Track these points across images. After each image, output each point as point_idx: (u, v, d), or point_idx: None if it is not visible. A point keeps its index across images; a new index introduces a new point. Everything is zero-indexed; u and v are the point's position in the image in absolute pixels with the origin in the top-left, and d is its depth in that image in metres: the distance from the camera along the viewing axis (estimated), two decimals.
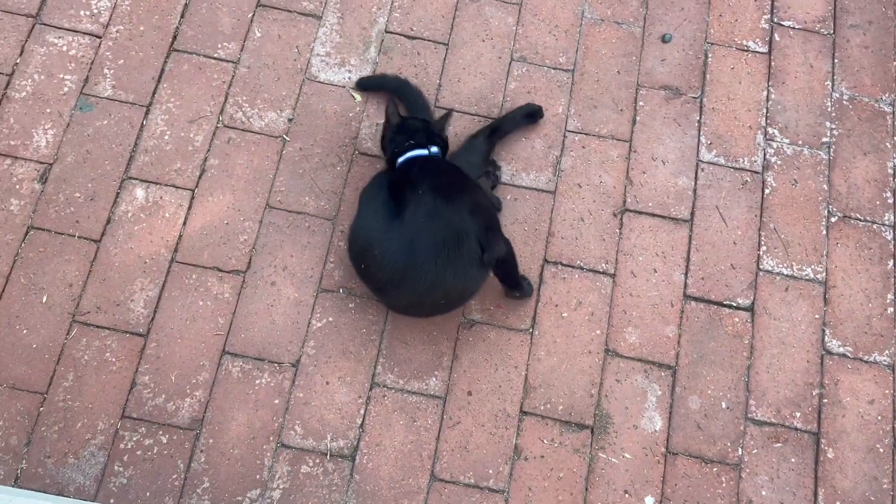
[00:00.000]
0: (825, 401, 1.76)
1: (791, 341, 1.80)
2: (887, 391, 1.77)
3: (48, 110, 1.88)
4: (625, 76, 2.02)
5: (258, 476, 1.64)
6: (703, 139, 1.97)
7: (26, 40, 1.94)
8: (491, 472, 1.67)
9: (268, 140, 1.90)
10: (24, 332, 1.70)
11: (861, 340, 1.81)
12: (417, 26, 2.03)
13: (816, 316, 1.83)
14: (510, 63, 2.01)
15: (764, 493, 1.68)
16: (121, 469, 1.63)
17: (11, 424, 1.64)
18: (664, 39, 2.05)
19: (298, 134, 1.91)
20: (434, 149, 1.72)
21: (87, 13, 1.98)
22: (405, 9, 2.05)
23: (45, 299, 1.73)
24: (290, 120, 1.92)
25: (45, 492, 1.59)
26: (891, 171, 1.97)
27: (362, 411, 1.70)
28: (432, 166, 1.69)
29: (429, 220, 1.56)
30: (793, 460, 1.71)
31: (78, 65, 1.93)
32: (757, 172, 1.94)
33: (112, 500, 1.61)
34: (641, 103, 1.99)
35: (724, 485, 1.69)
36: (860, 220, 1.92)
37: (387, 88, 1.94)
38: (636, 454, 1.70)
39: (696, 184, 1.92)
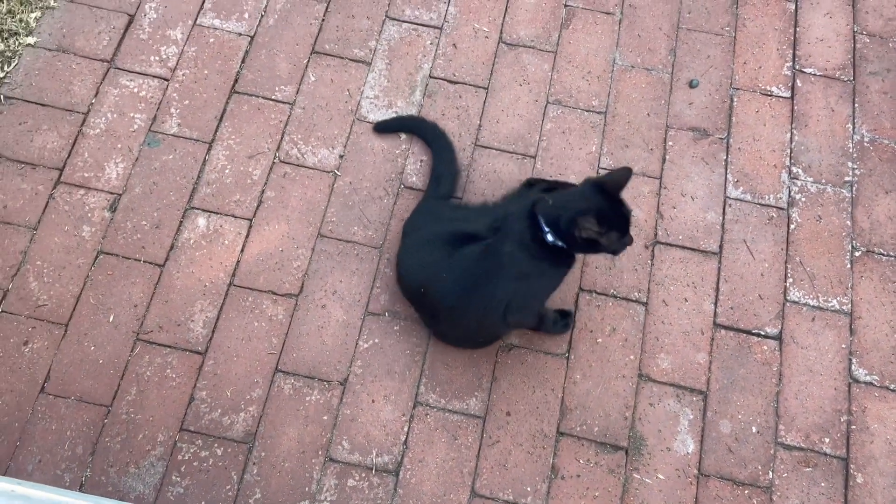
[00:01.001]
0: (853, 427, 1.82)
1: (819, 369, 1.87)
2: None
3: (119, 146, 2.04)
4: (654, 118, 2.14)
5: (307, 488, 1.72)
6: (730, 177, 2.07)
7: (101, 82, 2.11)
8: (529, 489, 1.73)
9: (320, 175, 2.03)
10: (92, 348, 1.82)
11: (887, 369, 1.87)
12: (459, 72, 2.18)
13: (843, 345, 1.89)
14: (546, 106, 2.15)
15: None
16: (178, 479, 1.72)
17: (78, 435, 1.75)
18: (691, 85, 2.18)
19: (348, 169, 2.04)
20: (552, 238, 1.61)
21: (157, 58, 2.15)
22: (448, 56, 2.20)
23: (111, 318, 1.85)
24: (340, 156, 2.06)
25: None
26: None
27: (406, 428, 1.78)
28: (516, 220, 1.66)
29: (479, 262, 1.65)
30: (822, 484, 1.76)
31: (147, 105, 2.09)
32: (782, 209, 2.04)
33: None
34: (671, 143, 2.11)
35: None
36: (883, 254, 2.00)
37: (405, 129, 2.09)
38: (669, 475, 1.76)
39: (723, 218, 2.02)
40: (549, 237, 1.58)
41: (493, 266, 1.63)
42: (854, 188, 2.07)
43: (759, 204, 2.05)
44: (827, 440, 1.80)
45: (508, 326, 1.79)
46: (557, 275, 1.70)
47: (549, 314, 1.84)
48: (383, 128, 2.09)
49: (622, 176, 1.56)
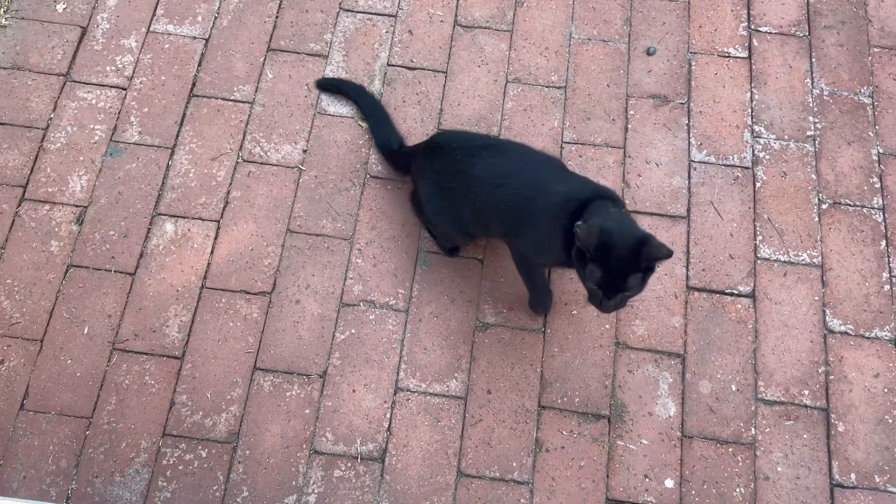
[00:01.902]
0: (831, 377, 1.83)
1: (794, 323, 1.88)
2: (891, 364, 1.84)
3: (81, 158, 2.03)
4: (614, 88, 2.15)
5: (294, 482, 1.73)
6: (693, 141, 2.08)
7: (59, 97, 2.10)
8: (515, 465, 1.74)
9: (285, 171, 2.03)
10: (69, 361, 1.82)
11: (861, 318, 1.89)
12: (417, 58, 2.18)
13: (816, 298, 1.91)
14: (506, 84, 2.15)
15: (780, 469, 1.74)
16: (164, 484, 1.72)
17: (61, 448, 1.74)
18: (649, 52, 2.19)
19: (313, 163, 2.04)
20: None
21: (113, 68, 2.14)
22: (405, 43, 2.20)
23: (86, 330, 1.85)
24: (304, 151, 2.06)
25: None
26: (875, 158, 2.06)
27: (388, 415, 1.79)
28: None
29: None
30: (805, 436, 1.78)
31: (106, 115, 2.08)
32: (747, 168, 2.05)
33: None
34: (632, 112, 2.12)
35: (740, 464, 1.75)
36: (850, 205, 2.01)
37: (343, 92, 2.12)
38: (653, 440, 1.77)
39: (689, 182, 2.03)
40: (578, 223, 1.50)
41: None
42: (816, 142, 2.09)
43: (724, 165, 2.06)
44: (806, 392, 1.82)
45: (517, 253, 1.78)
46: (552, 248, 1.61)
47: (542, 286, 1.84)
48: (324, 85, 2.14)
49: (662, 251, 1.44)
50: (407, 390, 1.81)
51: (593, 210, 1.52)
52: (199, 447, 1.75)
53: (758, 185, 2.03)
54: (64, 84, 2.12)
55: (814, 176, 2.04)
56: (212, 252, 1.94)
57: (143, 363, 1.82)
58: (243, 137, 2.07)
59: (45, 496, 1.70)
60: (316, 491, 1.72)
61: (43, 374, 1.80)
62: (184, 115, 2.09)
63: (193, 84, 2.13)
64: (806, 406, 1.80)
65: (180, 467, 1.74)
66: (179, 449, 1.75)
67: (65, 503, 1.70)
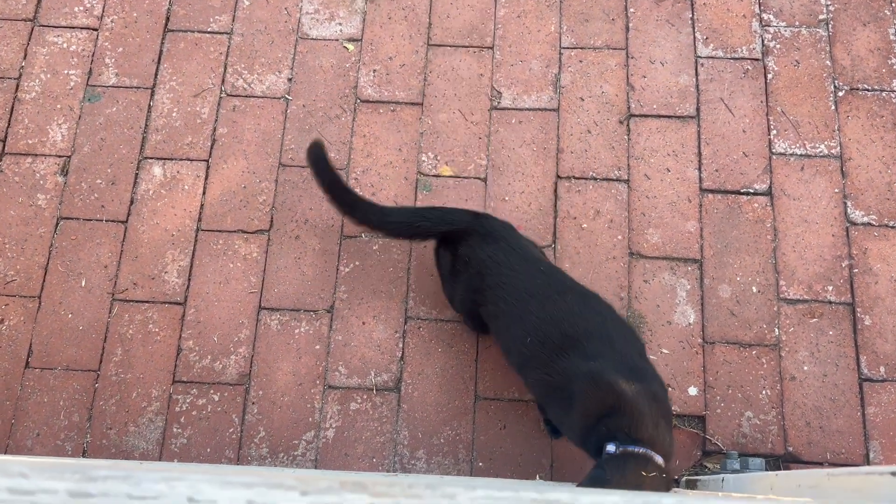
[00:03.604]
0: (855, 271, 1.76)
1: (814, 218, 1.80)
2: None
3: (59, 106, 1.94)
4: None
5: (311, 419, 1.70)
6: (698, 35, 1.96)
7: (28, 43, 2.00)
8: None
9: (271, 102, 1.94)
10: (70, 316, 1.77)
11: (884, 207, 1.80)
12: None
13: (836, 190, 1.82)
14: None
15: (806, 367, 1.70)
16: (179, 430, 1.70)
17: (72, 403, 1.72)
18: None
19: (299, 92, 1.95)
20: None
21: (81, 9, 2.03)
22: None
23: (83, 283, 1.80)
24: (289, 80, 1.96)
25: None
26: (893, 38, 1.94)
27: (401, 345, 1.74)
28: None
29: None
30: (831, 333, 1.72)
31: (80, 59, 1.98)
32: (757, 59, 1.94)
33: (176, 460, 1.68)
34: (632, 10, 1.99)
35: (765, 366, 1.70)
36: (868, 89, 1.90)
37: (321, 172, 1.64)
38: (673, 349, 1.72)
39: (697, 79, 1.93)
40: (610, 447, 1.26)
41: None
42: (830, 25, 1.96)
43: (733, 58, 1.94)
44: (830, 288, 1.75)
45: None
46: (572, 431, 1.39)
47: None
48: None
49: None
50: (418, 318, 1.76)
51: (625, 462, 1.23)
52: (211, 391, 1.72)
53: (769, 76, 1.92)
54: (32, 29, 2.01)
55: (828, 62, 1.93)
56: (204, 193, 1.87)
57: (145, 312, 1.78)
58: (224, 71, 1.97)
59: (61, 451, 1.68)
60: (333, 426, 1.69)
61: (45, 331, 1.76)
62: (160, 52, 1.99)
63: (167, 18, 2.02)
64: (830, 302, 1.74)
65: (194, 413, 1.71)
66: (191, 395, 1.72)
67: (81, 456, 1.68)
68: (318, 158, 1.61)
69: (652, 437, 1.24)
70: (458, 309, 1.66)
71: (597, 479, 1.21)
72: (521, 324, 1.40)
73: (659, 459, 1.23)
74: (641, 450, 1.23)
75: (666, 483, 1.23)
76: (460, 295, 1.56)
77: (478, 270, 1.47)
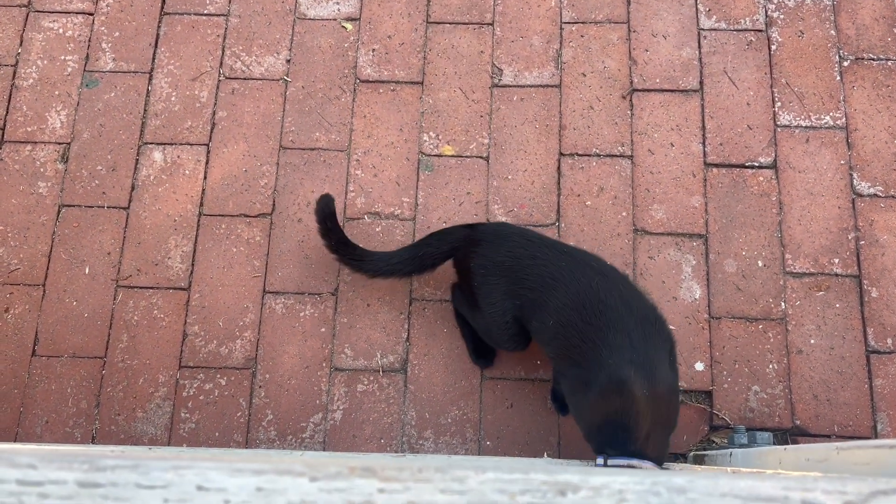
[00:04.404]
0: (862, 243, 1.75)
1: (819, 190, 1.79)
2: None
3: (56, 92, 1.93)
4: None
5: (318, 401, 1.70)
6: (700, 7, 1.94)
7: (23, 29, 1.98)
8: (539, 362, 1.70)
9: (270, 84, 1.92)
10: (74, 303, 1.77)
11: (891, 178, 1.79)
12: None
13: (842, 162, 1.81)
14: None
15: (813, 341, 1.69)
16: (187, 415, 1.70)
17: (79, 390, 1.72)
18: None
19: (298, 73, 1.93)
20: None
21: None
22: None
23: (87, 270, 1.80)
24: (288, 61, 1.94)
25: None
26: None
27: (406, 326, 1.74)
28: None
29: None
30: (837, 305, 1.71)
31: (77, 45, 1.97)
32: (760, 31, 1.91)
33: (185, 445, 1.68)
34: None
35: (771, 340, 1.70)
36: (874, 59, 1.88)
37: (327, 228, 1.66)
38: (679, 324, 1.72)
39: (700, 52, 1.90)
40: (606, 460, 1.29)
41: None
42: None
43: (736, 30, 1.92)
44: (836, 261, 1.74)
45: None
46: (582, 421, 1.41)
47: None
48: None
49: None
50: (422, 299, 1.76)
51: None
52: (218, 375, 1.72)
53: (773, 48, 1.90)
54: (27, 15, 1.99)
55: (833, 32, 1.90)
56: (205, 177, 1.86)
57: (149, 298, 1.78)
58: (222, 53, 1.95)
59: (70, 438, 1.69)
60: (341, 407, 1.69)
61: (50, 319, 1.76)
62: (157, 35, 1.97)
63: (163, 1, 2.00)
64: (837, 275, 1.73)
65: (201, 397, 1.71)
66: (198, 379, 1.72)
67: (91, 443, 1.69)
68: (326, 215, 1.63)
69: (643, 447, 1.27)
70: (500, 334, 1.55)
71: None
72: (547, 308, 1.40)
73: (647, 465, 1.26)
74: (626, 461, 1.25)
75: None
76: (498, 308, 1.49)
77: (502, 273, 1.47)
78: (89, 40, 1.97)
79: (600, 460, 1.29)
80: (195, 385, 1.72)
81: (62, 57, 1.96)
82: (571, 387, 1.39)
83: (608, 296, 1.36)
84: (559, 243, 1.51)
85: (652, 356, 1.32)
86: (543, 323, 1.41)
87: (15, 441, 1.69)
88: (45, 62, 1.95)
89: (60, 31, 1.98)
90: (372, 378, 1.71)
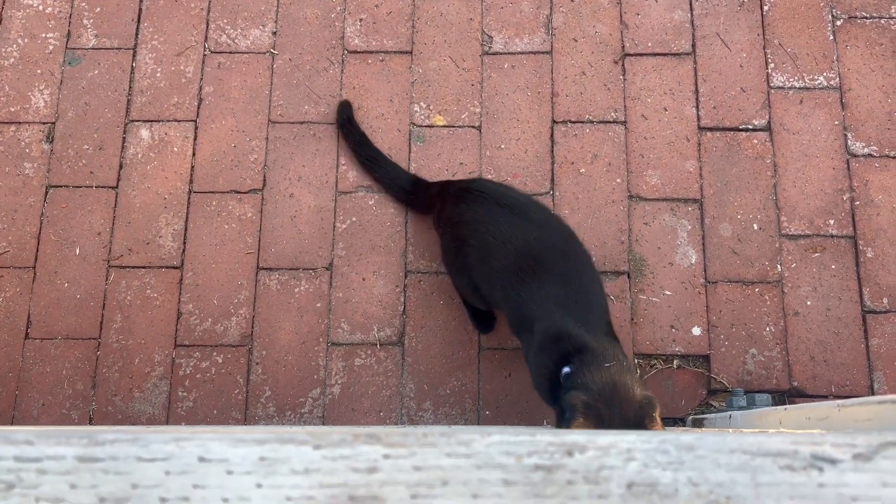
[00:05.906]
0: (857, 203, 1.75)
1: (814, 152, 1.78)
2: None
3: (39, 71, 1.89)
4: None
5: (315, 376, 1.69)
6: None
7: (2, 7, 1.93)
8: None
9: (257, 57, 1.89)
10: (66, 284, 1.76)
11: (885, 137, 1.78)
12: None
13: (836, 122, 1.80)
14: None
15: (809, 303, 1.69)
16: (185, 394, 1.69)
17: (75, 372, 1.71)
18: None
19: (285, 45, 1.90)
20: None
21: None
22: None
23: (77, 251, 1.78)
24: (274, 33, 1.90)
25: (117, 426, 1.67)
26: None
27: (402, 299, 1.73)
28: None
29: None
30: (833, 266, 1.71)
31: (57, 21, 1.92)
32: None
33: (183, 423, 1.68)
34: None
35: (768, 303, 1.70)
36: (867, 17, 1.86)
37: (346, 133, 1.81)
38: (676, 290, 1.72)
39: (692, 14, 1.88)
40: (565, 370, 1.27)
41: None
42: None
43: None
44: (832, 222, 1.74)
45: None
46: (539, 381, 1.38)
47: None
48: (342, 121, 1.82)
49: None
50: (418, 272, 1.75)
51: (586, 362, 1.23)
52: (214, 353, 1.71)
53: (765, 8, 1.88)
54: None
55: None
56: (194, 154, 1.83)
57: (142, 277, 1.76)
58: (207, 27, 1.91)
59: (67, 420, 1.68)
60: (339, 382, 1.69)
61: (42, 301, 1.75)
62: (139, 10, 1.93)
63: None
64: (832, 236, 1.73)
65: (198, 376, 1.70)
66: (194, 358, 1.71)
67: (88, 424, 1.68)
68: (344, 120, 1.80)
69: (604, 344, 1.27)
70: (469, 293, 1.61)
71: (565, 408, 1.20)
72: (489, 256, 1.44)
73: (617, 349, 1.28)
74: (596, 346, 1.25)
75: (629, 368, 1.24)
76: (456, 266, 1.59)
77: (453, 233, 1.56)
78: (70, 17, 1.93)
79: (567, 369, 1.24)
80: (191, 363, 1.71)
81: (43, 34, 1.92)
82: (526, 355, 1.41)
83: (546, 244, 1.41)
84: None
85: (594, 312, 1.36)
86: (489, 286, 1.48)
87: (12, 424, 1.67)
88: (26, 40, 1.91)
89: (40, 7, 1.93)
90: (369, 352, 1.71)
